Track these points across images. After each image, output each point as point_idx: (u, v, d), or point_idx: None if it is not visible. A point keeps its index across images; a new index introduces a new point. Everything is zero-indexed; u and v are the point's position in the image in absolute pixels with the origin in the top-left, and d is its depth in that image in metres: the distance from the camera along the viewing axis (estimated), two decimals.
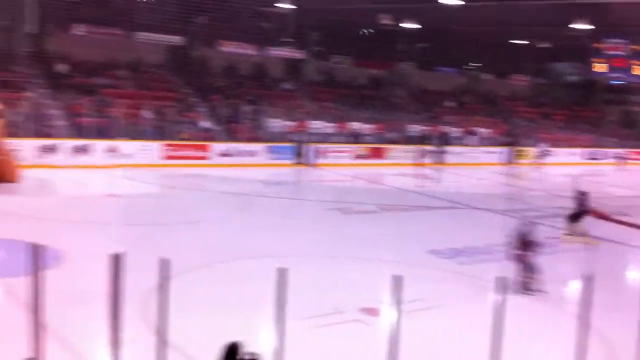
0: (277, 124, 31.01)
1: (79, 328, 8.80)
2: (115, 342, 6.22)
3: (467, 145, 35.56)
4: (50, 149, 23.37)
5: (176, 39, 31.48)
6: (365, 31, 39.79)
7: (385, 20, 33.45)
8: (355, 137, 32.77)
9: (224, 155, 27.52)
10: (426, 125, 35.77)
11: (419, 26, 35.82)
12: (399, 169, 30.50)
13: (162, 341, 6.20)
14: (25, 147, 22.22)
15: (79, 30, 28.86)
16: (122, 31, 29.34)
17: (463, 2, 28.87)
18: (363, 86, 38.95)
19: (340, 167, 29.42)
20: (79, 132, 25.07)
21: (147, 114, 27.31)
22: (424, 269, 12.95)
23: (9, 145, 20.18)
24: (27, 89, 26.32)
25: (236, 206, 18.76)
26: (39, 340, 6.50)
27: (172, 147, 26.30)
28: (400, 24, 35.94)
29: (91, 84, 28.57)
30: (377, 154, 32.12)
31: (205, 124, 29.13)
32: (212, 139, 28.19)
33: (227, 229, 16.55)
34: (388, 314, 6.31)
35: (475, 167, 33.05)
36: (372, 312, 10.41)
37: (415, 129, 35.26)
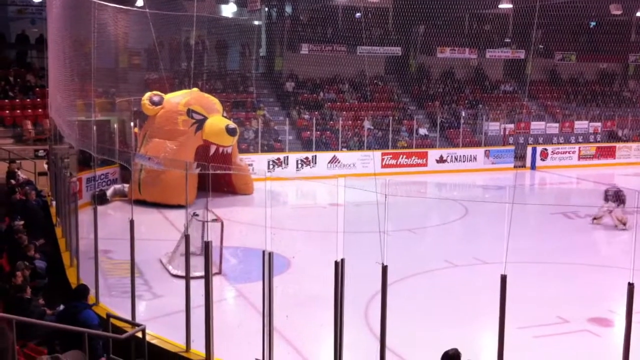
0: (496, 127, 30.32)
1: (304, 331, 9.33)
2: (338, 345, 6.58)
3: None
4: (279, 162, 25.03)
5: (395, 50, 32.09)
6: (593, 24, 37.43)
7: (616, 10, 31.20)
8: (581, 137, 30.99)
9: (442, 161, 27.48)
10: None
11: None
12: (632, 168, 28.33)
13: (382, 346, 6.44)
14: (257, 161, 24.03)
15: (305, 49, 30.58)
16: (344, 47, 30.52)
17: None
18: (591, 82, 36.72)
19: (564, 169, 28.03)
20: (304, 145, 26.58)
21: (367, 124, 28.20)
22: None
23: (242, 161, 21.98)
24: (259, 108, 28.48)
25: (455, 212, 18.67)
26: (271, 341, 7.08)
27: (391, 156, 26.83)
28: (631, 13, 33.34)
29: (316, 99, 30.18)
30: (605, 153, 30.10)
31: (423, 131, 29.32)
32: (431, 145, 28.30)
33: (446, 235, 16.56)
34: (621, 325, 5.96)
35: None
36: (602, 322, 9.84)
37: None
